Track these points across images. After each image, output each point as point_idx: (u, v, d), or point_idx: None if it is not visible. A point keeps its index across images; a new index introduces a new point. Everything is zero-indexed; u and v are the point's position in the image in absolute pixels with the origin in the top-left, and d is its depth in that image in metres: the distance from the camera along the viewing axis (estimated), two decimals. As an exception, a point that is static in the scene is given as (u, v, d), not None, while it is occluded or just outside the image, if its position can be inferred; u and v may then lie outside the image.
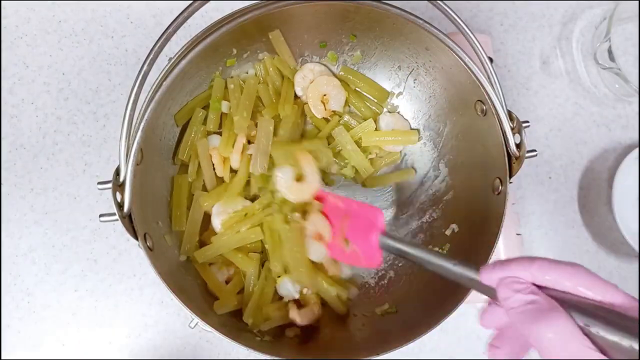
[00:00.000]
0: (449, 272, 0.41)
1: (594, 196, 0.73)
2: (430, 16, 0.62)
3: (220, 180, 0.60)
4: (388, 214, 0.65)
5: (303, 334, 0.57)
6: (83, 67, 0.68)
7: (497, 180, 0.53)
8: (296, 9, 0.55)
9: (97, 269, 0.64)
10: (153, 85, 0.46)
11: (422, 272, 0.60)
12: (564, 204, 0.72)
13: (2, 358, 0.62)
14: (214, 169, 0.59)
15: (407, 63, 0.61)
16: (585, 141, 0.74)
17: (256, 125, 0.59)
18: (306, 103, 0.63)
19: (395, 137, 0.64)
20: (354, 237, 0.51)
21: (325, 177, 0.64)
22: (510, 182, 0.52)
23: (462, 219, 0.60)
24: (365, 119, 0.64)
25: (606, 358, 0.30)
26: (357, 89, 0.65)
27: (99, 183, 0.46)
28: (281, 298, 0.59)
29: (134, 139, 0.44)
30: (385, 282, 0.62)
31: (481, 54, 0.48)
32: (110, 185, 0.44)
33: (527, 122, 0.52)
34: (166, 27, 0.43)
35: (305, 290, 0.58)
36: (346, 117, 0.64)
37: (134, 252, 0.65)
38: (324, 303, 0.59)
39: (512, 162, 0.52)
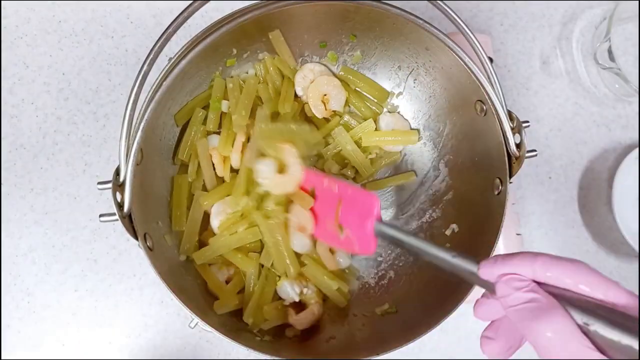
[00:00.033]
0: (446, 264, 0.39)
1: (594, 196, 0.73)
2: (430, 16, 0.62)
3: (220, 180, 0.60)
4: (388, 214, 0.65)
5: (303, 334, 0.57)
6: (83, 67, 0.68)
7: (497, 180, 0.53)
8: (296, 9, 0.55)
9: (97, 269, 0.64)
10: (153, 85, 0.46)
11: (422, 272, 0.60)
12: (564, 204, 0.72)
13: (2, 358, 0.62)
14: (214, 168, 0.59)
15: (407, 63, 0.61)
16: (585, 141, 0.74)
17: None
18: (306, 103, 0.63)
19: (395, 137, 0.64)
20: (348, 222, 0.49)
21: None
22: (510, 182, 0.52)
23: (462, 219, 0.60)
24: (365, 119, 0.64)
25: (606, 358, 0.30)
26: (357, 89, 0.65)
27: (99, 183, 0.46)
28: (281, 298, 0.59)
29: (134, 139, 0.44)
30: (385, 282, 0.62)
31: (481, 54, 0.48)
32: (110, 185, 0.44)
33: (527, 122, 0.52)
34: (166, 27, 0.43)
35: (305, 291, 0.58)
36: (346, 117, 0.64)
37: (134, 252, 0.65)
38: (324, 299, 0.59)
39: (512, 162, 0.52)
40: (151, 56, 0.43)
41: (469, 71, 0.51)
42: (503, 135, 0.51)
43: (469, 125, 0.58)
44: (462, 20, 0.47)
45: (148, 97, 0.46)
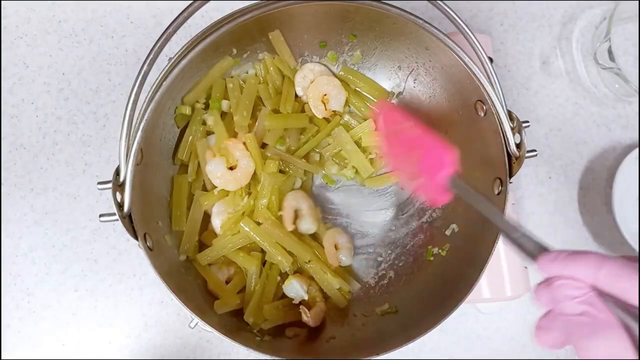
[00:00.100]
0: (509, 238, 0.37)
1: (594, 196, 0.73)
2: (430, 16, 0.62)
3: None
4: (388, 214, 0.65)
5: (303, 334, 0.57)
6: (83, 67, 0.68)
7: (497, 180, 0.53)
8: (296, 9, 0.55)
9: (97, 269, 0.64)
10: (153, 85, 0.46)
11: (422, 272, 0.60)
12: (564, 204, 0.72)
13: (2, 358, 0.62)
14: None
15: (407, 63, 0.61)
16: (585, 141, 0.74)
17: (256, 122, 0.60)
18: (306, 103, 0.63)
19: None
20: (425, 169, 0.48)
21: (325, 178, 0.65)
22: (510, 182, 0.52)
23: (462, 219, 0.60)
24: (365, 119, 0.64)
25: None
26: (357, 89, 0.65)
27: (99, 183, 0.46)
28: (282, 297, 0.59)
29: (134, 139, 0.44)
30: (385, 282, 0.62)
31: (481, 54, 0.48)
32: (110, 185, 0.44)
33: (527, 122, 0.52)
34: (166, 27, 0.43)
35: (310, 290, 0.58)
36: (346, 117, 0.64)
37: (134, 252, 0.65)
38: (325, 299, 0.60)
39: (512, 162, 0.52)
40: (151, 56, 0.43)
41: (469, 71, 0.51)
42: (503, 135, 0.51)
43: (469, 125, 0.58)
44: (462, 20, 0.47)
45: (148, 97, 0.46)
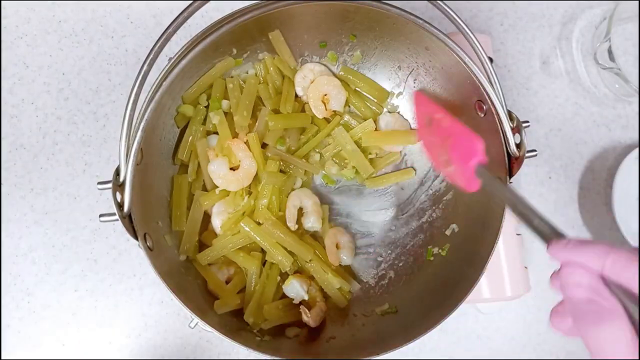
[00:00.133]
0: (530, 225, 0.38)
1: (594, 196, 0.73)
2: (430, 16, 0.62)
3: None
4: (388, 214, 0.65)
5: (303, 334, 0.57)
6: (83, 67, 0.68)
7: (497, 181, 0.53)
8: (296, 9, 0.55)
9: (97, 269, 0.64)
10: (153, 85, 0.46)
11: (422, 272, 0.60)
12: (564, 204, 0.72)
13: (2, 358, 0.62)
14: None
15: (407, 63, 0.61)
16: (585, 141, 0.74)
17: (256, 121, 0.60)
18: (306, 103, 0.63)
19: (395, 137, 0.64)
20: (455, 157, 0.49)
21: (325, 178, 0.65)
22: (510, 182, 0.52)
23: (462, 219, 0.60)
24: (365, 119, 0.64)
25: None
26: (357, 89, 0.65)
27: (99, 183, 0.46)
28: (282, 297, 0.59)
29: (134, 139, 0.44)
30: (385, 282, 0.62)
31: (481, 54, 0.48)
32: (110, 185, 0.44)
33: (527, 122, 0.52)
34: (166, 27, 0.43)
35: (310, 289, 0.58)
36: (346, 117, 0.64)
37: (134, 252, 0.65)
38: (325, 299, 0.60)
39: (512, 162, 0.52)
40: (151, 56, 0.43)
41: (469, 71, 0.51)
42: (503, 135, 0.51)
43: (469, 125, 0.58)
44: (462, 20, 0.47)
45: (148, 97, 0.46)
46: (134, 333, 0.64)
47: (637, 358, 0.29)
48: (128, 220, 0.46)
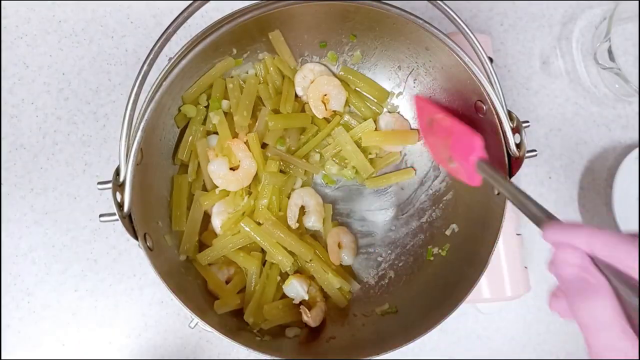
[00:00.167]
0: (526, 211, 0.40)
1: (594, 196, 0.73)
2: (430, 16, 0.62)
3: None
4: (388, 214, 0.65)
5: (303, 334, 0.57)
6: (83, 67, 0.68)
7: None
8: (296, 9, 0.55)
9: (97, 269, 0.64)
10: (153, 85, 0.46)
11: (422, 272, 0.60)
12: (564, 204, 0.72)
13: (2, 358, 0.62)
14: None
15: (407, 63, 0.61)
16: (585, 141, 0.74)
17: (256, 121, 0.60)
18: (306, 103, 0.63)
19: (395, 137, 0.64)
20: (456, 155, 0.51)
21: (326, 178, 0.65)
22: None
23: (462, 219, 0.60)
24: (365, 119, 0.64)
25: None
26: (357, 89, 0.65)
27: (99, 183, 0.46)
28: (282, 297, 0.59)
29: (134, 139, 0.44)
30: (385, 282, 0.62)
31: (481, 54, 0.48)
32: (110, 185, 0.44)
33: (527, 122, 0.52)
34: (166, 27, 0.43)
35: (309, 289, 0.58)
36: (346, 117, 0.64)
37: (134, 252, 0.65)
38: (325, 299, 0.60)
39: (512, 162, 0.52)
40: (151, 56, 0.43)
41: (469, 71, 0.51)
42: (503, 135, 0.51)
43: (469, 125, 0.58)
44: (462, 20, 0.47)
45: (148, 97, 0.46)
46: (134, 333, 0.64)
47: (622, 331, 0.31)
48: (128, 220, 0.46)
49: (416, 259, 0.62)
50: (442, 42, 0.51)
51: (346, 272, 0.62)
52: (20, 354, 0.63)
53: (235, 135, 0.59)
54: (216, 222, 0.58)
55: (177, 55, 0.48)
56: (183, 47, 0.49)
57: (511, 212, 0.65)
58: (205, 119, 0.60)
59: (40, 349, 0.63)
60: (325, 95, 0.63)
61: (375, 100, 0.65)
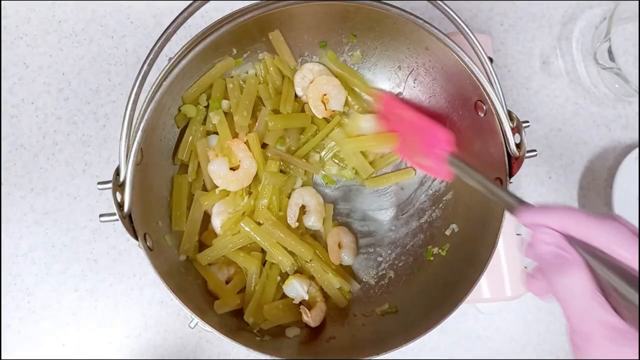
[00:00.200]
0: (500, 199, 0.43)
1: (594, 196, 0.73)
2: (430, 16, 0.62)
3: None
4: (388, 214, 0.65)
5: (303, 334, 0.57)
6: (83, 67, 0.68)
7: (497, 181, 0.53)
8: (296, 9, 0.55)
9: (97, 269, 0.64)
10: (153, 85, 0.46)
11: (422, 272, 0.60)
12: (563, 203, 0.72)
13: (2, 358, 0.62)
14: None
15: (407, 63, 0.61)
16: (585, 141, 0.74)
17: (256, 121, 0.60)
18: (306, 103, 0.63)
19: (374, 140, 0.63)
20: (427, 151, 0.53)
21: (325, 178, 0.65)
22: (510, 182, 0.52)
23: (462, 219, 0.60)
24: (365, 119, 0.64)
25: (620, 318, 0.32)
26: (355, 89, 0.65)
27: (99, 183, 0.46)
28: (282, 297, 0.59)
29: (134, 139, 0.44)
30: (385, 282, 0.62)
31: (481, 54, 0.48)
32: (110, 185, 0.44)
33: (527, 122, 0.52)
34: (166, 27, 0.43)
35: (310, 289, 0.58)
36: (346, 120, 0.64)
37: (134, 252, 0.65)
38: (325, 299, 0.60)
39: (512, 162, 0.52)
40: (151, 56, 0.43)
41: (469, 71, 0.51)
42: (503, 135, 0.51)
43: (469, 125, 0.58)
44: (462, 20, 0.47)
45: (148, 97, 0.46)
46: (134, 333, 0.64)
47: (593, 298, 0.33)
48: (128, 220, 0.46)
49: (416, 259, 0.62)
50: (442, 42, 0.51)
51: (346, 272, 0.62)
52: (20, 354, 0.63)
53: (235, 135, 0.59)
54: (216, 222, 0.58)
55: (177, 55, 0.48)
56: (183, 47, 0.49)
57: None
58: (205, 119, 0.60)
59: (40, 349, 0.63)
60: (325, 95, 0.63)
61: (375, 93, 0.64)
